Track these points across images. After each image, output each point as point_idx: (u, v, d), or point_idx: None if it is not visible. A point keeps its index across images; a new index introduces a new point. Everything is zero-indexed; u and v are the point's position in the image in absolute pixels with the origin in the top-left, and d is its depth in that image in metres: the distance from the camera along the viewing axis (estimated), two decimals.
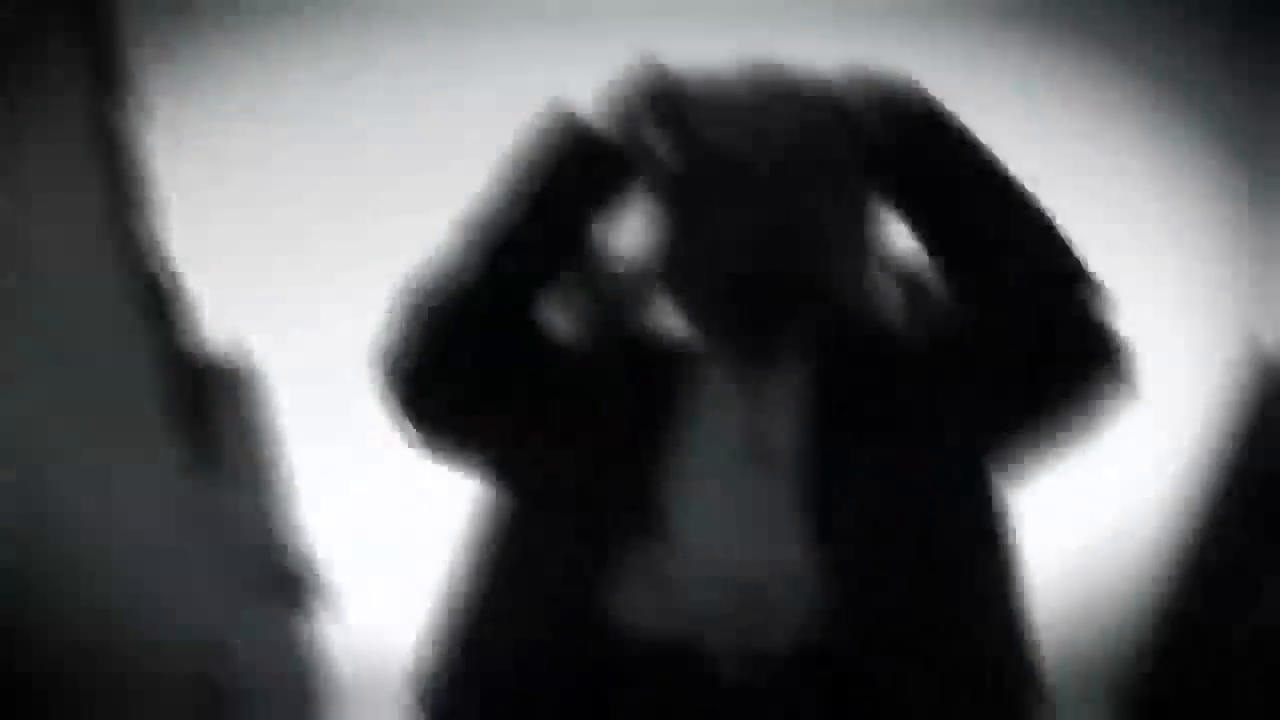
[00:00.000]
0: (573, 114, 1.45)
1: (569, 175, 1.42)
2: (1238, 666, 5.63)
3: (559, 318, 1.48)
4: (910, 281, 1.49)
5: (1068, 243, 1.45)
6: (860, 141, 1.45)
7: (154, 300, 7.11)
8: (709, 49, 1.63)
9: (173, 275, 7.10)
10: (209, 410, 8.57)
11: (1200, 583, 5.90)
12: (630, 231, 1.58)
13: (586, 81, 1.55)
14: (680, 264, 1.48)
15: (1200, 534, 5.82)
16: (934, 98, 1.47)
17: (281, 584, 10.65)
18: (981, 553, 1.34)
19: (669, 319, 1.57)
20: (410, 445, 1.52)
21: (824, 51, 1.56)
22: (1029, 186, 1.50)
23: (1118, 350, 1.43)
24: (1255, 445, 5.27)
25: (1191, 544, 5.88)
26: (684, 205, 1.47)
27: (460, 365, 1.44)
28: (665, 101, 1.53)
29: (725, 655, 1.20)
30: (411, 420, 1.50)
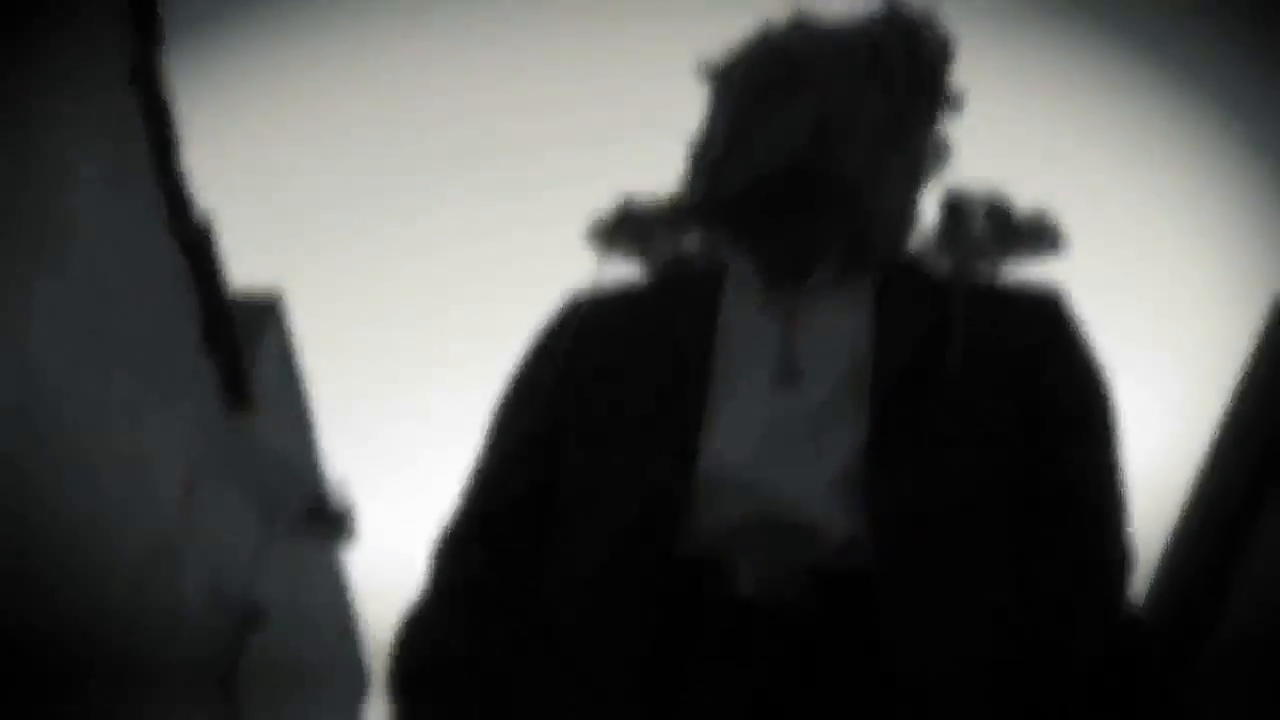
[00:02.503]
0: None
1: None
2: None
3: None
4: (955, 213, 1.52)
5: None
6: (914, 61, 1.47)
7: (190, 241, 7.21)
8: None
9: (207, 217, 7.21)
10: (241, 347, 8.69)
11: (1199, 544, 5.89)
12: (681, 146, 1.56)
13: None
14: (723, 160, 1.44)
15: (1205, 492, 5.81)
16: None
17: (311, 515, 10.84)
18: (1002, 498, 1.30)
19: (703, 242, 1.65)
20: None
21: None
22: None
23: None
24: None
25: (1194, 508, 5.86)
26: (734, 99, 1.46)
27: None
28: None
29: (746, 571, 1.21)
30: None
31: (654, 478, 1.28)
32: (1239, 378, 5.50)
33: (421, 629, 1.36)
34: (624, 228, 1.54)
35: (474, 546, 1.39)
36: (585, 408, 1.40)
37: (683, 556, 1.22)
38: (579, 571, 1.29)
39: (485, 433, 1.50)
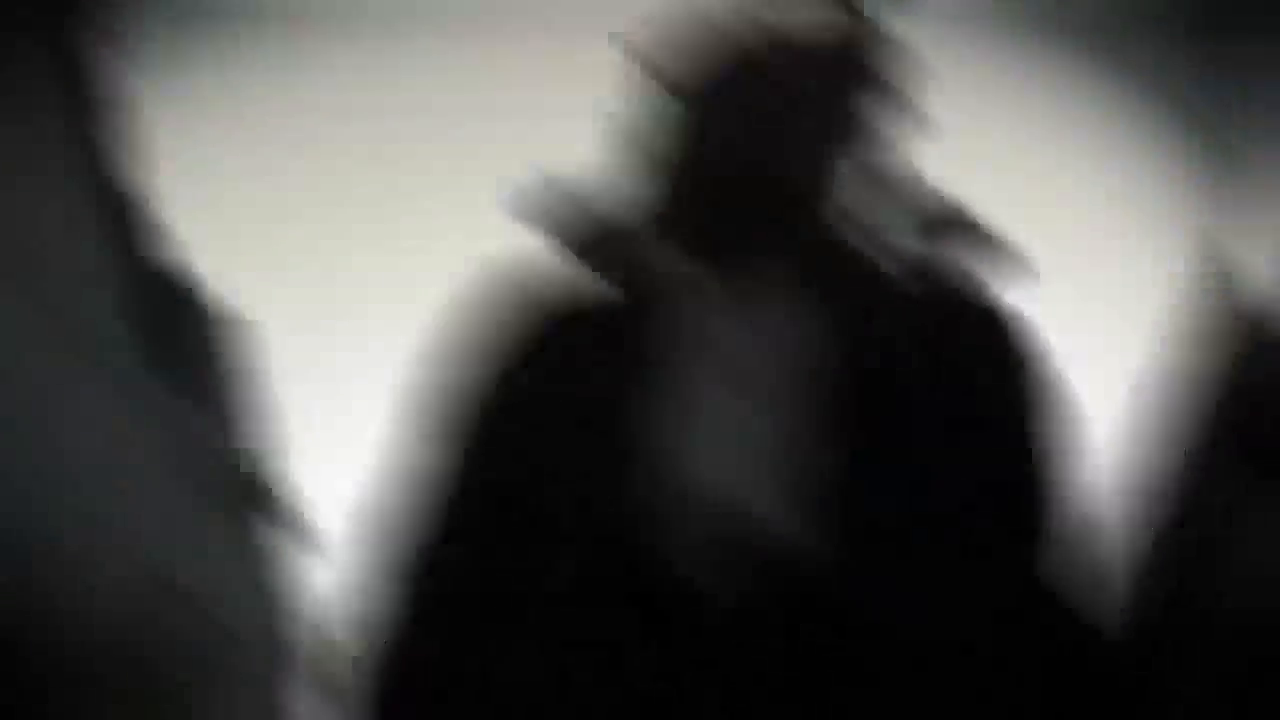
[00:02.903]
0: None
1: None
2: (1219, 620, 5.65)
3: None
4: (915, 222, 1.54)
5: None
6: (864, 75, 1.49)
7: (115, 211, 7.05)
8: None
9: (136, 187, 7.06)
10: (170, 321, 8.54)
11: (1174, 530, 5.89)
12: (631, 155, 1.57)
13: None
14: (674, 171, 1.48)
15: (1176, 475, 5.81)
16: None
17: (242, 494, 10.75)
18: (956, 498, 1.36)
19: (659, 252, 1.57)
20: None
21: None
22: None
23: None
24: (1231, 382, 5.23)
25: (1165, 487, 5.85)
26: (683, 111, 1.48)
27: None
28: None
29: (704, 577, 1.26)
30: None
31: (611, 488, 1.31)
32: (1209, 377, 5.46)
33: (408, 642, 1.39)
34: (557, 220, 1.55)
35: (446, 556, 1.43)
36: (540, 415, 1.42)
37: (645, 566, 1.26)
38: (546, 585, 1.32)
39: (438, 438, 1.49)
